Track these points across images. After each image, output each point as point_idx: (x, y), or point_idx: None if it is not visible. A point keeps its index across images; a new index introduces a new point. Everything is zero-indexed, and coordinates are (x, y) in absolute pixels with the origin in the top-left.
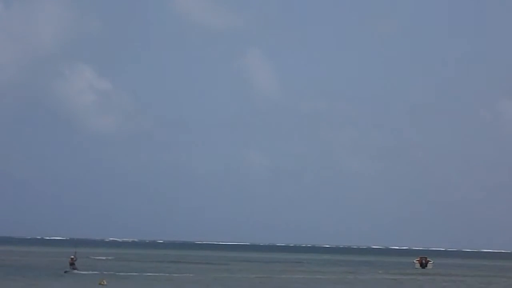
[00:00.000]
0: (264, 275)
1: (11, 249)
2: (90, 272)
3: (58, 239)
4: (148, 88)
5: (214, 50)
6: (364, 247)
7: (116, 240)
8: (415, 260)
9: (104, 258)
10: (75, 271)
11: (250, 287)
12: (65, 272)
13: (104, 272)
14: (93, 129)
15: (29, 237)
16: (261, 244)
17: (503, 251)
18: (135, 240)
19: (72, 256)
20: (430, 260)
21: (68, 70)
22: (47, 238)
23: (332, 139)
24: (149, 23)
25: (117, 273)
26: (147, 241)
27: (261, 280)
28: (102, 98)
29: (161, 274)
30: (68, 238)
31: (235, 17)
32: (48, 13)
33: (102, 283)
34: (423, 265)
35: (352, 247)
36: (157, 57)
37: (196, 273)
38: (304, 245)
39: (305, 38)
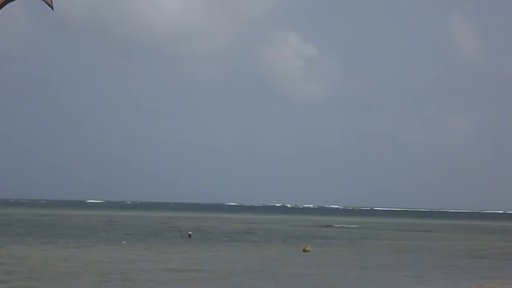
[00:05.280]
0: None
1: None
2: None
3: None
4: (352, 55)
5: (416, 14)
6: None
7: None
8: None
9: (309, 225)
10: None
11: None
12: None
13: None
14: (299, 96)
15: (223, 203)
16: (447, 210)
17: None
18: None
19: (190, 233)
20: None
21: (275, 37)
22: (244, 204)
23: None
24: None
25: (318, 239)
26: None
27: None
28: (308, 64)
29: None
30: (262, 205)
31: None
32: None
33: (306, 249)
34: None
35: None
36: (361, 23)
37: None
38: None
39: None
